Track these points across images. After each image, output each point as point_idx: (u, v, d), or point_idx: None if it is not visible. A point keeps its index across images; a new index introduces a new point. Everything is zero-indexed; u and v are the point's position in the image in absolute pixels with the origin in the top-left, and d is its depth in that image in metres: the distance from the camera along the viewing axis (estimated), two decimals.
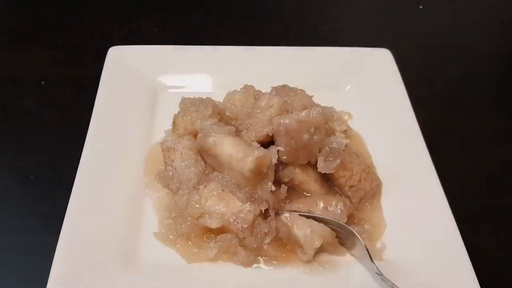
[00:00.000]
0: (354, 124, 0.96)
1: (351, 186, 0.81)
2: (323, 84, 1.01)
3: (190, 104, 0.85)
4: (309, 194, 0.81)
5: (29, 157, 0.92)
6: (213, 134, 0.78)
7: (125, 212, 0.79)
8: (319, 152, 0.78)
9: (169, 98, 0.97)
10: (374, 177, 0.83)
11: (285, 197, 0.78)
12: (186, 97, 0.88)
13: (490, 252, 0.82)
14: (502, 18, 1.41)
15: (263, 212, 0.75)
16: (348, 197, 0.81)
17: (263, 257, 0.75)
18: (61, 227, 0.71)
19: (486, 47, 1.29)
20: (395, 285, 0.64)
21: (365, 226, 0.78)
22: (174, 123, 0.86)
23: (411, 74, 1.04)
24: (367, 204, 0.82)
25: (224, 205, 0.74)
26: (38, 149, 0.93)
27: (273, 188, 0.75)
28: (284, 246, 0.76)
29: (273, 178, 0.75)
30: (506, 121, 1.08)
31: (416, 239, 0.76)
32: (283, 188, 0.77)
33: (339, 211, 0.75)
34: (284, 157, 0.77)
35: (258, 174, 0.74)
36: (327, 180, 0.83)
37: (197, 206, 0.75)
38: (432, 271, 0.71)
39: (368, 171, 0.82)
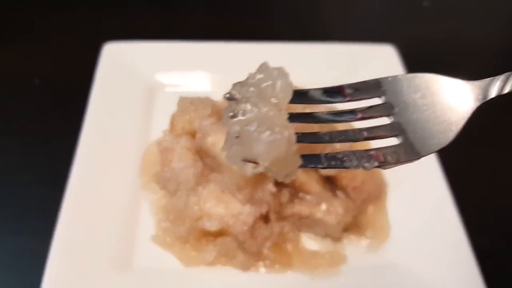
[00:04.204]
0: (356, 124, 0.94)
1: (354, 188, 0.79)
2: (325, 81, 0.99)
3: (188, 103, 0.83)
4: (310, 196, 0.79)
5: (21, 158, 0.90)
6: (212, 134, 0.77)
7: (121, 215, 0.77)
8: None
9: (166, 97, 0.95)
10: (378, 178, 0.81)
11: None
12: (184, 96, 0.86)
13: (497, 254, 0.81)
14: (510, 13, 1.39)
15: (264, 215, 0.73)
16: (351, 198, 0.79)
17: (263, 261, 0.73)
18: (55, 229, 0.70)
19: (492, 44, 1.28)
20: None
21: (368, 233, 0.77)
22: (171, 123, 0.84)
23: (416, 71, 1.02)
24: (371, 206, 0.80)
25: (223, 207, 0.73)
26: (31, 149, 0.91)
27: (274, 189, 0.73)
28: (285, 250, 0.74)
29: (273, 179, 0.73)
30: None
31: (422, 242, 0.74)
32: (285, 192, 0.75)
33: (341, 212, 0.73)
34: None
35: (258, 175, 0.72)
36: (329, 181, 0.81)
37: (195, 207, 0.73)
38: (438, 275, 0.70)
39: (372, 172, 0.80)
